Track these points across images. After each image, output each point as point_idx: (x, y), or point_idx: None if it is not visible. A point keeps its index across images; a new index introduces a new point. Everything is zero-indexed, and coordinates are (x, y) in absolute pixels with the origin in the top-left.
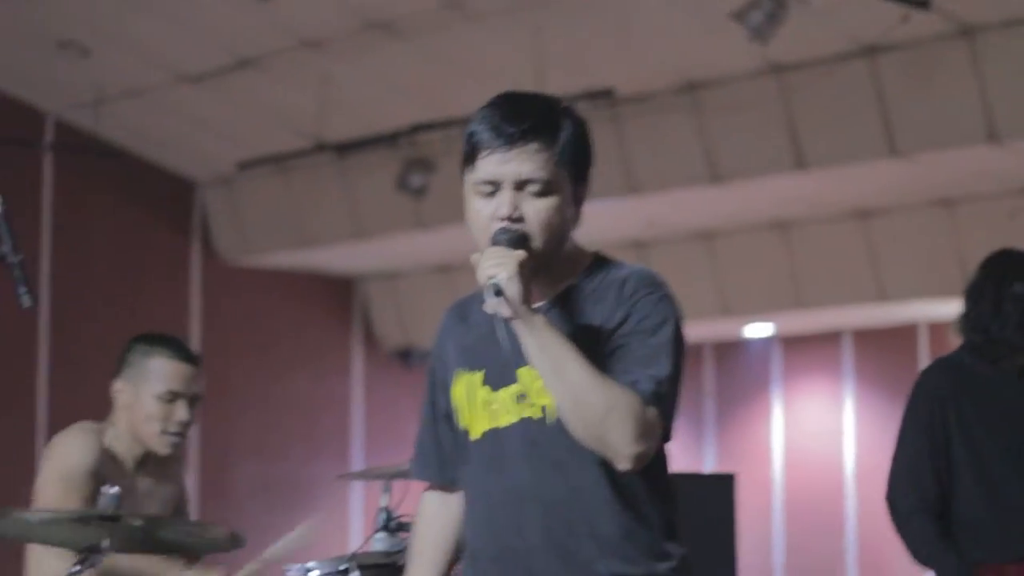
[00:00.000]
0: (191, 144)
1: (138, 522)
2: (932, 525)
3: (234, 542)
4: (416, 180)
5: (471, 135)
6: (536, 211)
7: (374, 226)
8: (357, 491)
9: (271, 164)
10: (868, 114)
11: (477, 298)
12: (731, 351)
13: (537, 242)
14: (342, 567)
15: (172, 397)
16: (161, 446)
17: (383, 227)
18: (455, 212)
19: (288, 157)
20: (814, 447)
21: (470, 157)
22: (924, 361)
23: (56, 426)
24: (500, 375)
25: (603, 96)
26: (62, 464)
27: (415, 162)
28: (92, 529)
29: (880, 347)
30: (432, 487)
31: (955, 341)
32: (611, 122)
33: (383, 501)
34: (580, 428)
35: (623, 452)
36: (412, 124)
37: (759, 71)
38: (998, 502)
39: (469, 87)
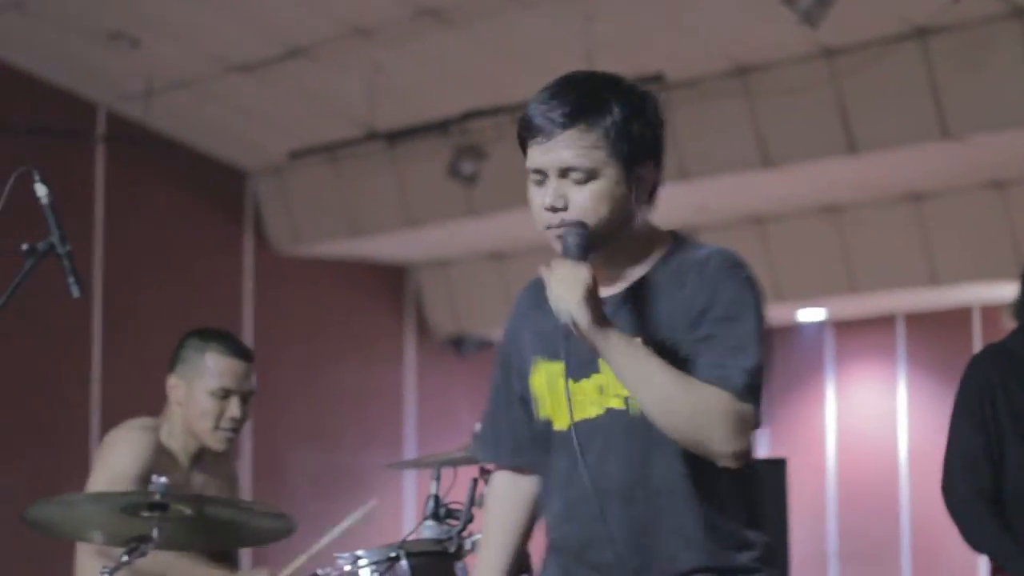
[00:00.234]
0: (242, 134)
1: (188, 511)
2: (987, 511)
3: (286, 525)
4: (467, 167)
5: (520, 125)
6: (581, 199)
7: (425, 214)
8: (410, 479)
9: (322, 153)
10: (919, 97)
11: None
12: (783, 336)
13: (587, 235)
14: (392, 554)
15: (225, 394)
16: (215, 442)
17: (434, 215)
18: (506, 199)
19: (339, 146)
20: (867, 432)
21: (522, 144)
22: (977, 344)
23: (109, 417)
24: (581, 365)
25: (653, 81)
26: (112, 470)
27: (466, 149)
28: (140, 520)
29: (933, 331)
30: (502, 468)
31: (1008, 324)
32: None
33: (432, 489)
34: (675, 434)
35: (723, 452)
36: (463, 111)
37: (810, 55)
38: None
39: (519, 73)
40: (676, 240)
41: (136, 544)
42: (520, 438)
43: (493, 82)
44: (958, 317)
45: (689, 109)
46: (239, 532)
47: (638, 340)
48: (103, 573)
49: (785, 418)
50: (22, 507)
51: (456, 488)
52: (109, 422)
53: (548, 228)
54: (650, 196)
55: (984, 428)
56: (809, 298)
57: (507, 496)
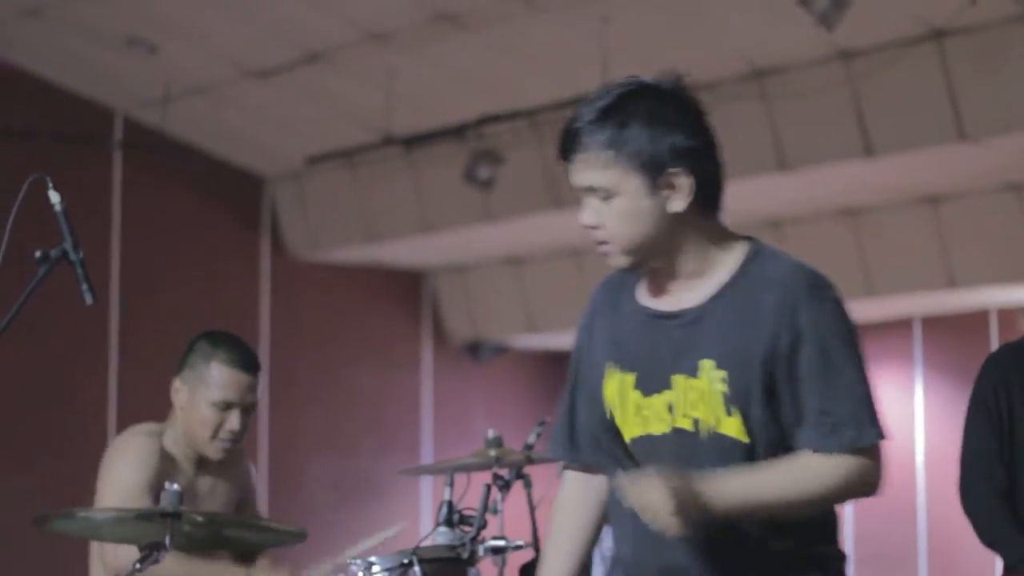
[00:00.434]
0: (259, 140)
1: (200, 519)
2: (1001, 509)
3: (297, 537)
4: (484, 172)
5: None
6: (608, 216)
7: (442, 219)
8: (427, 485)
9: (339, 158)
10: (936, 99)
11: (630, 283)
12: None
13: (625, 248)
14: (405, 560)
15: (227, 406)
16: (212, 451)
17: (451, 220)
18: (523, 204)
19: (356, 151)
20: None
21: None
22: (995, 347)
23: (126, 422)
24: (653, 380)
25: None
26: (119, 483)
27: (482, 154)
28: (154, 526)
29: (950, 334)
30: (572, 467)
31: None
32: None
33: (446, 495)
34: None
35: (866, 495)
36: (479, 116)
37: (826, 57)
38: None
39: (536, 78)
40: (753, 248)
41: (149, 551)
42: (581, 433)
43: (509, 86)
44: (975, 320)
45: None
46: (252, 539)
47: (734, 482)
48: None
49: None
50: (38, 511)
51: (470, 494)
52: (125, 427)
53: (597, 244)
54: (702, 201)
55: (999, 426)
56: None
57: (579, 499)
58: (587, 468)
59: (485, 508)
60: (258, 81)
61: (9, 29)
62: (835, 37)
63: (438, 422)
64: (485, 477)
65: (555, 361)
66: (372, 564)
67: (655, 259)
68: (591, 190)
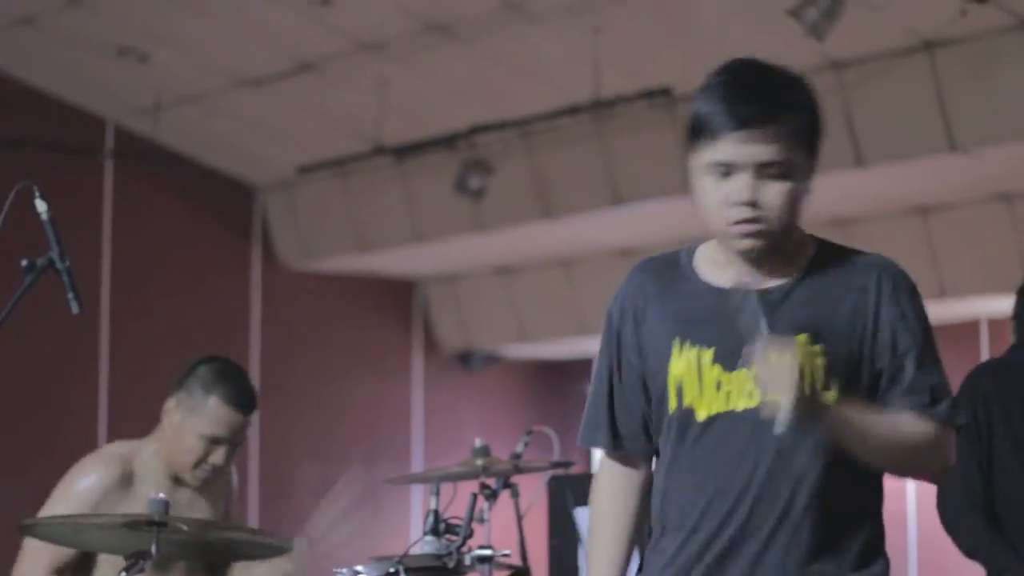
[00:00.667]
0: (250, 149)
1: (184, 527)
2: (980, 521)
3: (283, 545)
4: (474, 182)
5: (703, 114)
6: (774, 195)
7: (433, 229)
8: (417, 494)
9: (330, 168)
10: (927, 109)
11: (684, 261)
12: None
13: (775, 229)
14: (391, 569)
15: (215, 441)
16: (190, 479)
17: (442, 229)
18: (514, 213)
19: (347, 161)
20: None
21: (702, 136)
22: (986, 357)
23: (116, 431)
24: (736, 354)
25: (661, 95)
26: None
27: (473, 164)
28: (140, 535)
29: (940, 344)
30: (611, 456)
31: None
32: (669, 122)
33: (432, 504)
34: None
35: (933, 476)
36: (470, 126)
37: (817, 67)
38: None
39: (527, 88)
40: (821, 245)
41: (135, 560)
42: (636, 422)
43: (501, 97)
44: (966, 330)
45: None
46: (236, 551)
47: (854, 404)
48: None
49: None
50: (27, 519)
51: (456, 503)
52: (116, 436)
53: (736, 224)
54: None
55: (977, 440)
56: None
57: (620, 491)
58: (624, 457)
59: (471, 517)
60: (249, 90)
61: (0, 38)
62: (826, 47)
63: (429, 431)
64: (473, 486)
65: (546, 370)
66: (358, 572)
67: (784, 241)
68: (769, 165)
